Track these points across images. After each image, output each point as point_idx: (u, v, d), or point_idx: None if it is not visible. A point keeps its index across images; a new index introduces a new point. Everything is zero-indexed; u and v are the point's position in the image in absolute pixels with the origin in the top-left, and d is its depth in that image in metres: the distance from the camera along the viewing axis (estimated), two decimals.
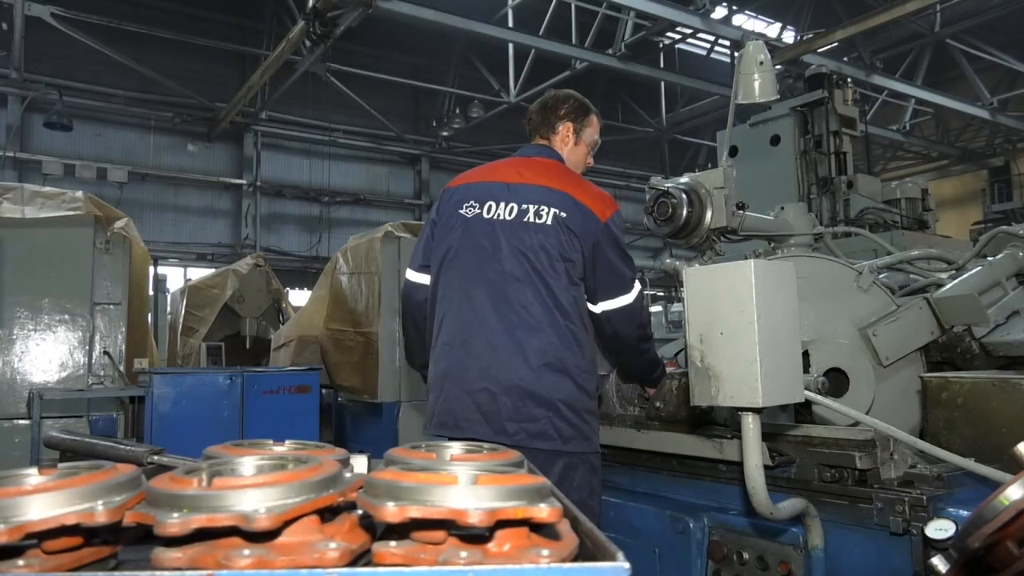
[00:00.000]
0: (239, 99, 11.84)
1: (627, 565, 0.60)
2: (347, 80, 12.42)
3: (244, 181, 13.54)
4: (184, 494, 0.63)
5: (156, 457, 1.24)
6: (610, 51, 12.04)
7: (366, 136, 14.41)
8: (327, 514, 0.68)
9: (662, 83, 15.39)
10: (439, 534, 0.63)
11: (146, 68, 11.63)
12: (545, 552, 0.62)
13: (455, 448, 0.89)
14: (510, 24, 12.61)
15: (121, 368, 4.60)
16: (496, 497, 0.62)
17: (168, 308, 8.06)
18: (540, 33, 11.76)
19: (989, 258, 2.94)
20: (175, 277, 11.84)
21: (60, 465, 0.73)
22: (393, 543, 0.64)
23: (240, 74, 12.71)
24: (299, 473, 0.67)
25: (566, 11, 12.12)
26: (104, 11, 11.24)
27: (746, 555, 1.99)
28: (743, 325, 1.57)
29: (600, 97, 16.21)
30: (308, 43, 10.02)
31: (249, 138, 13.69)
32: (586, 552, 0.66)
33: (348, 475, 0.75)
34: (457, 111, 14.71)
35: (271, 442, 0.97)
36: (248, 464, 0.76)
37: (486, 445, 0.91)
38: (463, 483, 0.63)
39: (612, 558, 0.62)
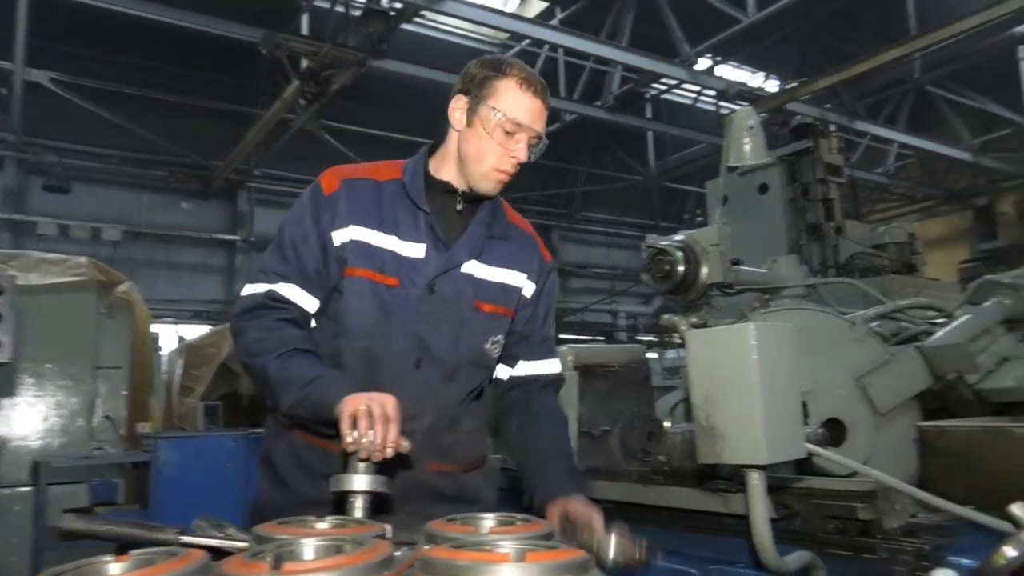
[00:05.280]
0: (233, 157, 12.03)
1: None
2: (341, 136, 12.63)
3: (238, 237, 13.66)
4: None
5: (185, 538, 1.22)
6: (599, 103, 12.34)
7: None
8: None
9: (650, 133, 15.71)
10: None
11: (142, 129, 11.84)
12: None
13: (490, 520, 0.95)
14: None
15: (122, 432, 4.61)
16: (548, 573, 0.68)
17: (164, 368, 8.08)
18: None
19: (978, 305, 3.04)
20: (169, 335, 11.86)
21: (133, 552, 0.79)
22: None
23: (234, 132, 12.92)
24: (362, 555, 0.73)
25: (554, 65, 12.45)
26: (101, 75, 11.47)
27: None
28: (746, 386, 1.64)
29: (590, 147, 16.53)
30: (303, 102, 10.25)
31: (243, 195, 13.85)
32: None
33: (398, 554, 0.81)
34: None
35: (313, 519, 1.03)
36: (309, 547, 0.82)
37: (519, 516, 0.97)
38: (514, 560, 0.70)
39: None
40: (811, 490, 2.03)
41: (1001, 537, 0.91)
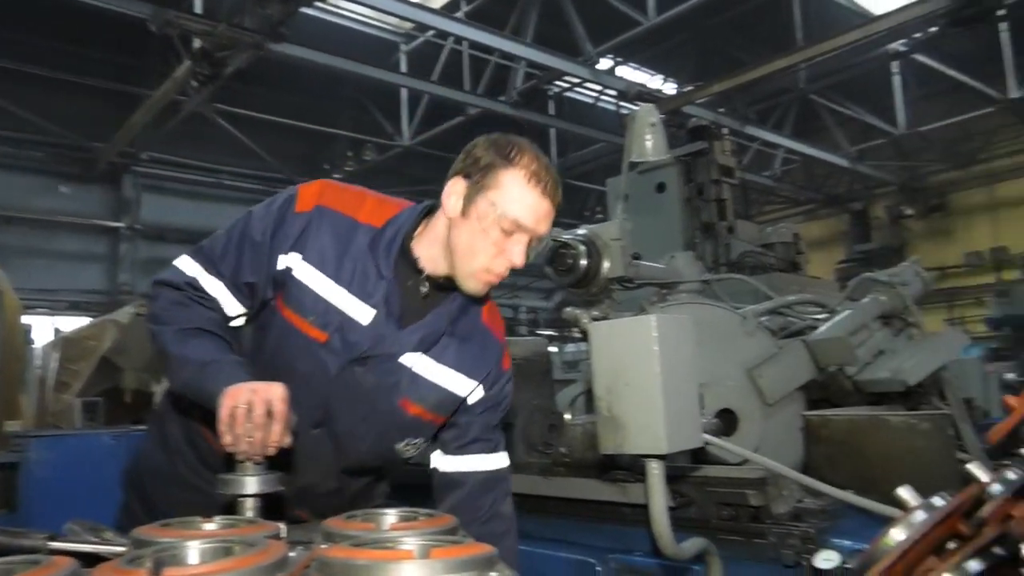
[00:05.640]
0: (118, 139, 11.33)
1: None
2: (236, 121, 12.14)
3: (122, 224, 12.90)
4: None
5: (54, 544, 1.12)
6: (503, 98, 12.35)
7: (256, 178, 14.05)
8: None
9: (553, 130, 15.88)
10: None
11: (16, 106, 10.98)
12: None
13: (392, 516, 0.92)
14: (403, 69, 12.75)
15: None
16: (452, 569, 0.66)
17: (39, 362, 7.54)
18: (434, 79, 11.92)
19: (857, 301, 3.22)
20: (44, 327, 11.05)
21: None
22: None
23: (120, 113, 12.16)
24: (251, 558, 0.68)
25: (459, 58, 12.37)
26: None
27: None
28: (647, 376, 1.67)
29: None
30: (195, 83, 9.77)
31: (128, 179, 13.07)
32: None
33: (293, 555, 0.77)
34: (351, 154, 14.61)
35: (199, 519, 0.96)
36: (193, 550, 0.76)
37: (421, 511, 0.94)
38: (418, 557, 0.67)
39: None
40: (706, 478, 2.10)
41: (886, 520, 0.94)
